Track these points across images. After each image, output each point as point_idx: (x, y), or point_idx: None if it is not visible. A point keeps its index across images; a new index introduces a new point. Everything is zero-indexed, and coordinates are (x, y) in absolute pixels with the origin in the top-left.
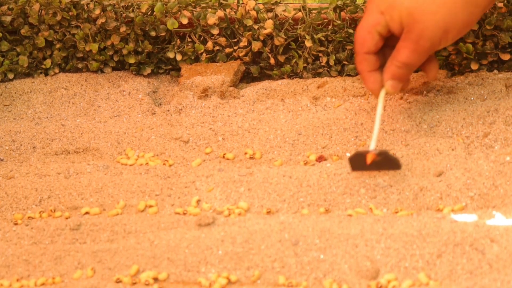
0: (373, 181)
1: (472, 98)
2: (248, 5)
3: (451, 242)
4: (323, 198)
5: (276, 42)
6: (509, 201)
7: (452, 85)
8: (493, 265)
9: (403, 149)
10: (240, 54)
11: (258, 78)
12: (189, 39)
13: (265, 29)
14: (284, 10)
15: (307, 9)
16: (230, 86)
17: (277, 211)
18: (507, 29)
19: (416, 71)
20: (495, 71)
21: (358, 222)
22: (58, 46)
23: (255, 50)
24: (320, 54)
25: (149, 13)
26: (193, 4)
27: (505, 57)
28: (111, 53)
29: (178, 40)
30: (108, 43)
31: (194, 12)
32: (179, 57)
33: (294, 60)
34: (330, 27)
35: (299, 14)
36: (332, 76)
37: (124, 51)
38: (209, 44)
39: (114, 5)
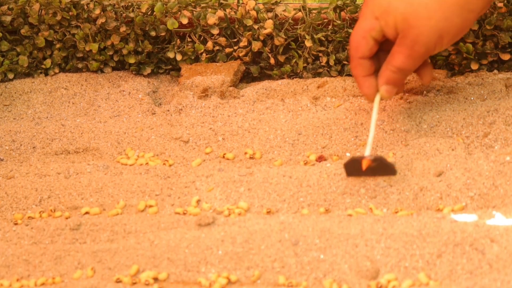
0: (373, 181)
1: (472, 98)
2: (248, 5)
3: (451, 242)
4: (323, 198)
5: (276, 42)
6: (509, 201)
7: (452, 85)
8: (493, 265)
9: (403, 149)
10: (240, 54)
11: (258, 78)
12: (189, 39)
13: (265, 29)
14: (284, 10)
15: (307, 9)
16: (230, 86)
17: (277, 211)
18: (507, 29)
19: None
20: (495, 71)
21: (358, 222)
22: (58, 46)
23: (255, 50)
24: (320, 54)
25: (149, 13)
26: (193, 4)
27: (505, 57)
28: (111, 53)
29: (178, 40)
30: (108, 43)
31: (194, 12)
32: (179, 57)
33: (294, 60)
34: (330, 27)
35: (299, 14)
36: (332, 76)
37: (124, 51)
38: (209, 44)
39: (114, 5)
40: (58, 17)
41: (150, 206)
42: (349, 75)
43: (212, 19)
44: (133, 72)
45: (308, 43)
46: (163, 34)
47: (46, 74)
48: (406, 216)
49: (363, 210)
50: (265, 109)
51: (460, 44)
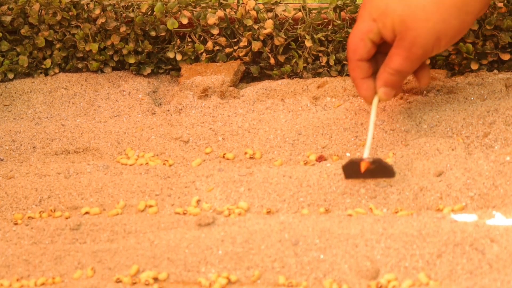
0: (373, 181)
1: (472, 98)
2: (248, 5)
3: (451, 242)
4: (323, 198)
5: (276, 42)
6: (509, 201)
7: (452, 85)
8: (493, 265)
9: (403, 149)
10: (240, 54)
11: (258, 78)
12: (189, 39)
13: (265, 29)
14: (284, 10)
15: (307, 9)
16: (230, 86)
17: (277, 211)
18: (507, 29)
19: None
20: (495, 71)
21: (358, 222)
22: (58, 46)
23: (255, 50)
24: (320, 54)
25: (149, 13)
26: (193, 4)
27: (505, 57)
28: (111, 53)
29: (178, 40)
30: (108, 43)
31: (194, 12)
32: (179, 57)
33: (294, 60)
34: (330, 27)
35: (299, 14)
36: (332, 76)
37: (124, 51)
38: (209, 44)
39: (114, 5)
40: (58, 17)
41: (150, 206)
42: (349, 75)
43: (212, 19)
44: (133, 72)
45: (308, 43)
46: (163, 34)
47: (46, 74)
48: (406, 216)
49: (363, 210)
50: (265, 109)
51: (460, 44)
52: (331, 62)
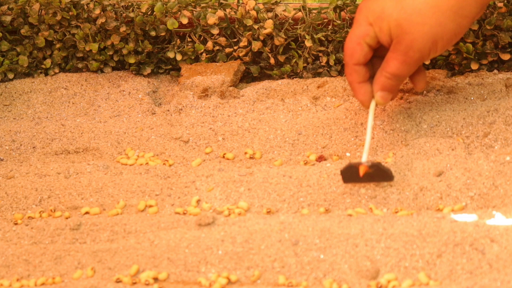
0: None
1: (472, 98)
2: (248, 5)
3: (451, 242)
4: (323, 198)
5: (276, 42)
6: (509, 201)
7: (452, 85)
8: (493, 265)
9: (403, 149)
10: (240, 54)
11: (258, 78)
12: (189, 39)
13: (265, 29)
14: (284, 10)
15: (307, 9)
16: (230, 86)
17: (277, 211)
18: (507, 29)
19: None
20: (495, 71)
21: (358, 222)
22: (58, 46)
23: (255, 50)
24: (320, 54)
25: (149, 13)
26: (193, 4)
27: (505, 57)
28: (111, 53)
29: (178, 40)
30: (108, 43)
31: (194, 12)
32: (179, 57)
33: (294, 60)
34: (330, 27)
35: (299, 14)
36: (332, 76)
37: (124, 51)
38: (209, 44)
39: (114, 5)
40: (58, 17)
41: (150, 206)
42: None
43: (212, 19)
44: (133, 72)
45: (308, 43)
46: (163, 34)
47: (46, 74)
48: (406, 216)
49: (363, 210)
50: (265, 109)
51: (460, 44)
52: (331, 62)
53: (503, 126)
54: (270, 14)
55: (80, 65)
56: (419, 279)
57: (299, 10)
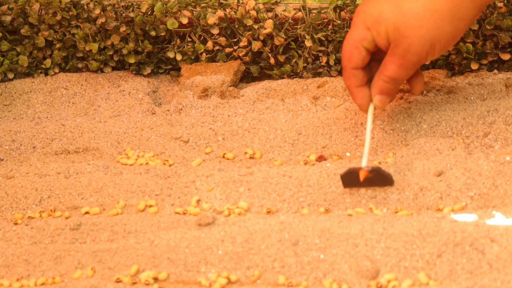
0: None
1: (472, 98)
2: (248, 5)
3: (451, 242)
4: (323, 198)
5: (276, 42)
6: (509, 201)
7: (452, 85)
8: (493, 265)
9: (403, 149)
10: (240, 54)
11: (258, 78)
12: (189, 39)
13: (265, 29)
14: (284, 10)
15: (307, 9)
16: (230, 86)
17: (277, 211)
18: (507, 29)
19: None
20: (495, 71)
21: (358, 222)
22: (58, 46)
23: (255, 50)
24: (320, 54)
25: (149, 13)
26: (193, 4)
27: (505, 57)
28: (111, 53)
29: (178, 40)
30: (108, 43)
31: (194, 12)
32: (179, 57)
33: (294, 60)
34: (330, 27)
35: (299, 14)
36: (332, 76)
37: (124, 51)
38: (209, 44)
39: (114, 5)
40: (58, 17)
41: (150, 206)
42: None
43: (212, 19)
44: (133, 72)
45: (308, 43)
46: (163, 34)
47: (46, 74)
48: (406, 216)
49: (363, 210)
50: (265, 109)
51: (460, 44)
52: (331, 62)
53: (503, 126)
54: (270, 14)
55: (80, 65)
56: (419, 279)
57: (299, 10)
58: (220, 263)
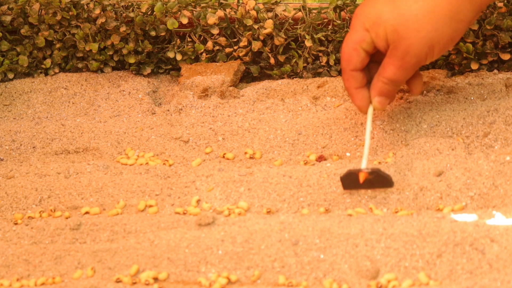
0: None
1: (472, 98)
2: (248, 5)
3: (451, 242)
4: (323, 198)
5: (276, 42)
6: (509, 201)
7: (452, 85)
8: (493, 265)
9: (403, 149)
10: (240, 54)
11: (258, 78)
12: (189, 39)
13: (265, 29)
14: (284, 10)
15: (307, 9)
16: (230, 86)
17: (277, 211)
18: (507, 29)
19: None
20: (495, 71)
21: (358, 222)
22: (58, 46)
23: (255, 50)
24: (320, 54)
25: (149, 13)
26: (193, 4)
27: (505, 57)
28: (111, 53)
29: (178, 40)
30: (108, 43)
31: (194, 12)
32: (179, 57)
33: (294, 60)
34: (330, 27)
35: (299, 14)
36: (332, 76)
37: (124, 51)
38: (209, 44)
39: (114, 5)
40: (58, 17)
41: (150, 206)
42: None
43: (212, 19)
44: (133, 72)
45: (308, 43)
46: (163, 34)
47: (46, 74)
48: (406, 216)
49: (363, 210)
50: (265, 109)
51: (460, 44)
52: (331, 62)
53: (503, 126)
54: (270, 14)
55: (80, 65)
56: (419, 279)
57: (299, 10)
58: (220, 263)
